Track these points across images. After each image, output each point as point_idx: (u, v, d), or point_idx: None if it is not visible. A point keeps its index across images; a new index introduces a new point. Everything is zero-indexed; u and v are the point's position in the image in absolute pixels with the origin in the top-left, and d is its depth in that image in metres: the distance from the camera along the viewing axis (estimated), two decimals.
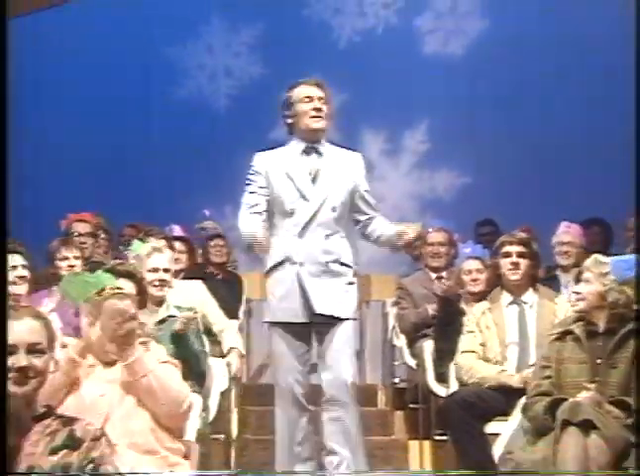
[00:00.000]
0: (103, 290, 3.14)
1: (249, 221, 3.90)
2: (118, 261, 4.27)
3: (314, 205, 3.95)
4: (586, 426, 3.28)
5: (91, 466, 2.41)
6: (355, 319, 4.04)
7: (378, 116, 7.94)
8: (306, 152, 4.05)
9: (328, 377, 3.89)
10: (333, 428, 3.88)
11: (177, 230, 5.97)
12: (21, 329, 2.50)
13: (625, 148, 6.72)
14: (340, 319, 3.92)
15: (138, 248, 4.48)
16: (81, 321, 3.27)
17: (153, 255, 4.39)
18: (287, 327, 3.94)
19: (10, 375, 2.43)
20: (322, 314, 3.90)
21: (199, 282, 5.21)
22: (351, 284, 4.00)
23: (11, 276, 4.34)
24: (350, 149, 4.22)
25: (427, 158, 8.45)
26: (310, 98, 4.03)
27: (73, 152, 8.02)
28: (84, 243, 5.65)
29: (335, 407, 3.86)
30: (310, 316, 3.91)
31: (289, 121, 4.08)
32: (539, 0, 8.09)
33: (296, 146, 4.07)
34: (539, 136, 7.92)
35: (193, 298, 4.71)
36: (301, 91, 4.06)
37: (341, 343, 3.92)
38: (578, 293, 3.76)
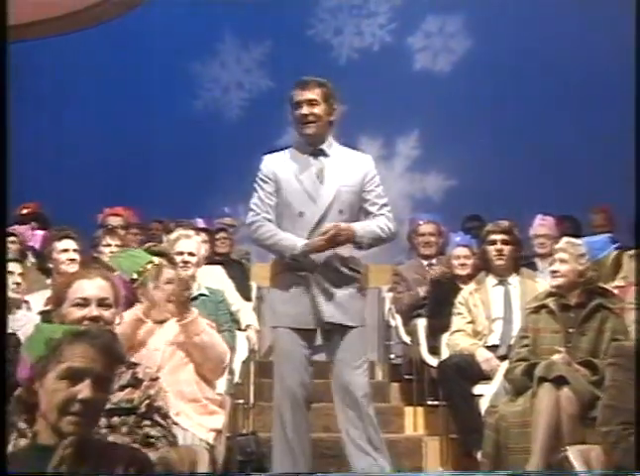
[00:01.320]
0: (150, 262, 3.41)
1: (276, 233, 3.56)
2: (152, 243, 4.48)
3: (321, 207, 3.57)
4: (559, 382, 3.49)
5: (147, 402, 2.66)
6: (363, 326, 3.64)
7: (375, 125, 8.08)
8: (313, 154, 3.65)
9: (343, 385, 3.54)
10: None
11: (201, 223, 6.13)
12: (93, 286, 2.72)
13: (604, 151, 7.01)
14: (349, 327, 3.56)
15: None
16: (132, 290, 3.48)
17: (180, 240, 4.58)
18: (293, 330, 3.55)
19: (84, 323, 2.61)
20: (331, 322, 3.54)
21: (219, 266, 5.42)
22: (360, 290, 3.64)
23: (63, 257, 4.55)
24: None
25: (418, 162, 8.62)
26: (299, 104, 3.59)
27: (108, 155, 8.28)
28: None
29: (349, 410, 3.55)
30: (318, 323, 3.55)
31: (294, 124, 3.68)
32: (521, 18, 8.21)
33: (303, 148, 3.67)
34: (518, 143, 8.09)
35: (214, 281, 4.92)
36: (293, 96, 3.62)
37: (353, 353, 3.55)
38: (555, 271, 3.91)
